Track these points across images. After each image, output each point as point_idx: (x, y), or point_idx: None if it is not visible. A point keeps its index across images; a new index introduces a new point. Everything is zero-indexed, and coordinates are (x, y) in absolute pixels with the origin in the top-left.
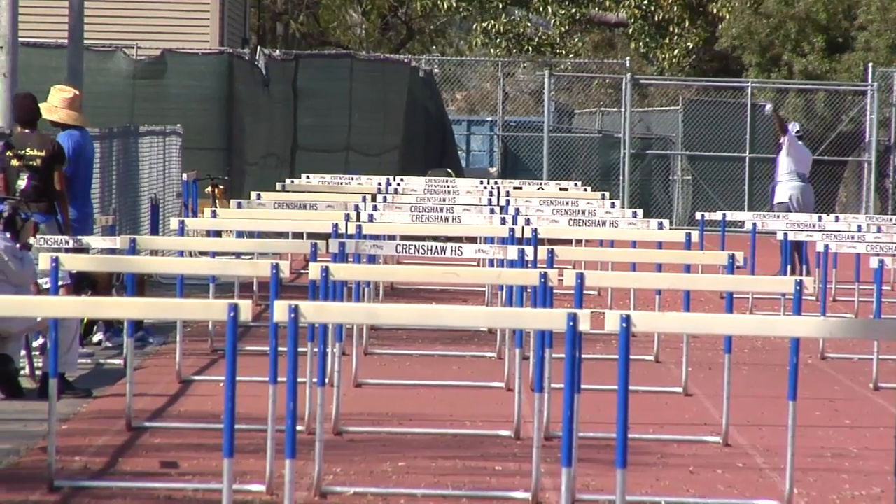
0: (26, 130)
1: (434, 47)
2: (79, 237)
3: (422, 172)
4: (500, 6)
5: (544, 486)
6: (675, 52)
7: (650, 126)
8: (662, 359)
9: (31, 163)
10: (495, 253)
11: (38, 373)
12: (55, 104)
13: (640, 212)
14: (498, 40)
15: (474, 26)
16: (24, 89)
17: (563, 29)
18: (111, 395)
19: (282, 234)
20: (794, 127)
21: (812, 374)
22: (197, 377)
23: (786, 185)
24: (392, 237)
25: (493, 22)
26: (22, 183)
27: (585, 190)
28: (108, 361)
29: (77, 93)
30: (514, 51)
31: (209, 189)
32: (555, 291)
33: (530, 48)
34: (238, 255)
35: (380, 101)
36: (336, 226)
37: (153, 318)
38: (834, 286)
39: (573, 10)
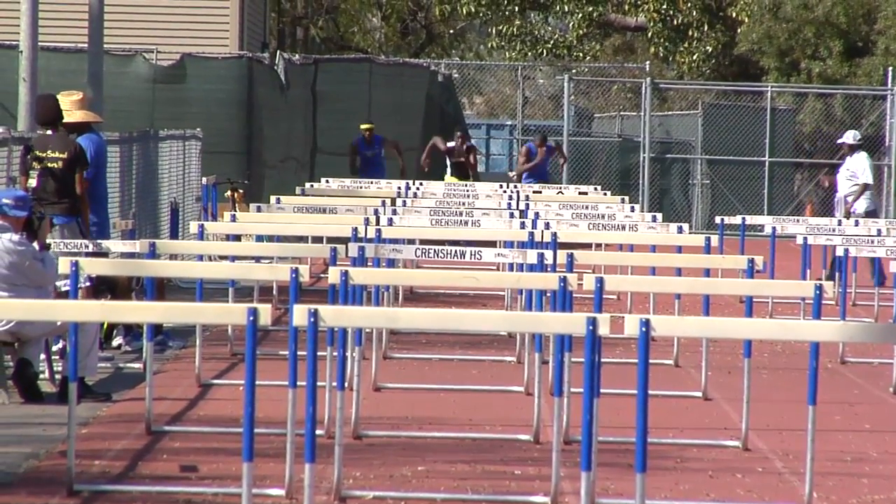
0: (48, 132)
1: (453, 51)
2: (99, 241)
3: (440, 177)
4: (516, 9)
5: (564, 490)
6: (695, 56)
7: (670, 130)
8: (682, 363)
9: (52, 165)
10: (515, 257)
11: (57, 377)
12: (68, 108)
13: (659, 216)
14: (513, 43)
15: (490, 29)
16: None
17: (580, 32)
18: (131, 398)
19: (301, 238)
20: (854, 136)
21: (832, 379)
22: (216, 381)
23: (870, 194)
24: (411, 241)
25: (507, 24)
26: (33, 182)
27: (605, 194)
28: (128, 365)
29: (84, 93)
30: (530, 53)
31: (229, 193)
32: (574, 295)
33: (545, 51)
34: (257, 258)
35: (399, 105)
36: (356, 230)
37: (173, 322)
38: (854, 290)
39: (590, 10)
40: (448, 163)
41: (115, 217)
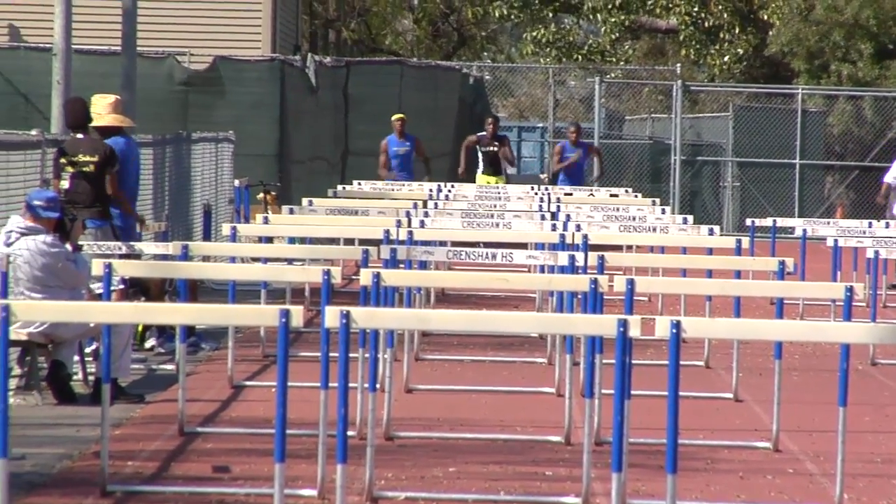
0: (78, 135)
1: (485, 54)
2: (131, 243)
3: (472, 179)
4: (551, 14)
5: (595, 491)
6: (726, 58)
7: (700, 132)
8: (713, 364)
9: (84, 169)
10: (546, 259)
11: (91, 378)
12: (100, 111)
13: (690, 218)
14: (548, 49)
15: (524, 35)
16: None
17: (613, 37)
18: (163, 400)
19: (333, 240)
20: None
21: (862, 380)
22: (248, 382)
23: None
24: (443, 243)
25: (542, 30)
26: (65, 183)
27: (636, 196)
28: (161, 367)
29: (118, 97)
30: (564, 59)
31: (261, 195)
32: (605, 297)
33: (580, 56)
34: (290, 260)
35: (430, 108)
36: (387, 232)
37: (205, 324)
38: (884, 292)
39: (623, 18)
40: (479, 157)
41: (149, 219)
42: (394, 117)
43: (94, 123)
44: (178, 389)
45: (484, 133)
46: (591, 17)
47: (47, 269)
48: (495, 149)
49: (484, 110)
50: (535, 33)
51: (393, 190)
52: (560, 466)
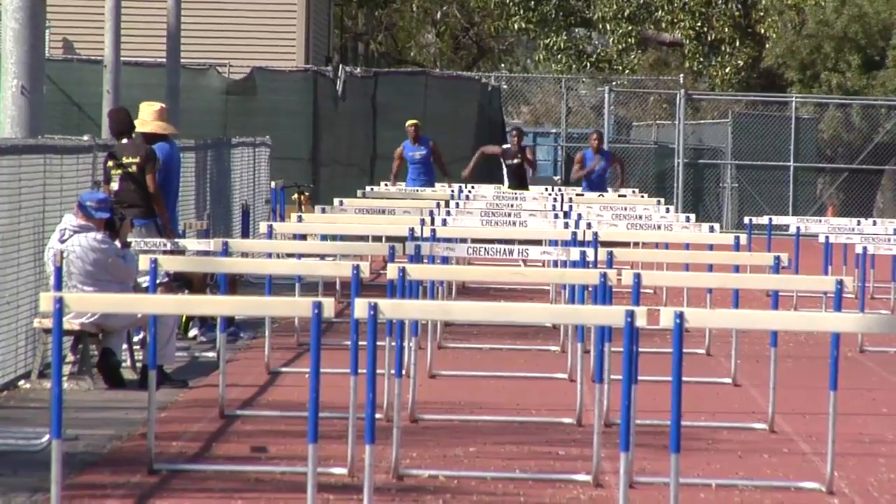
0: (123, 141)
1: (502, 65)
2: (176, 240)
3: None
4: (562, 24)
5: (604, 469)
6: (726, 69)
7: (702, 137)
8: (713, 352)
9: (129, 170)
10: (559, 255)
11: (138, 365)
12: (145, 118)
13: (692, 216)
14: (559, 56)
15: (538, 43)
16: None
17: (620, 46)
18: (205, 385)
19: (362, 237)
20: None
21: (851, 367)
22: (284, 369)
23: None
24: (464, 240)
25: (554, 38)
26: (115, 185)
27: (642, 196)
28: (203, 354)
29: (163, 105)
30: (574, 66)
31: (295, 196)
32: (614, 290)
33: (589, 64)
34: (322, 256)
35: (452, 115)
36: (412, 229)
37: (244, 315)
38: (872, 285)
39: (630, 28)
40: (504, 168)
41: (191, 218)
42: (407, 123)
43: (139, 129)
44: (218, 375)
45: (508, 146)
46: (601, 27)
47: (98, 264)
48: (520, 161)
49: (496, 116)
50: (547, 41)
51: (417, 191)
52: (572, 446)
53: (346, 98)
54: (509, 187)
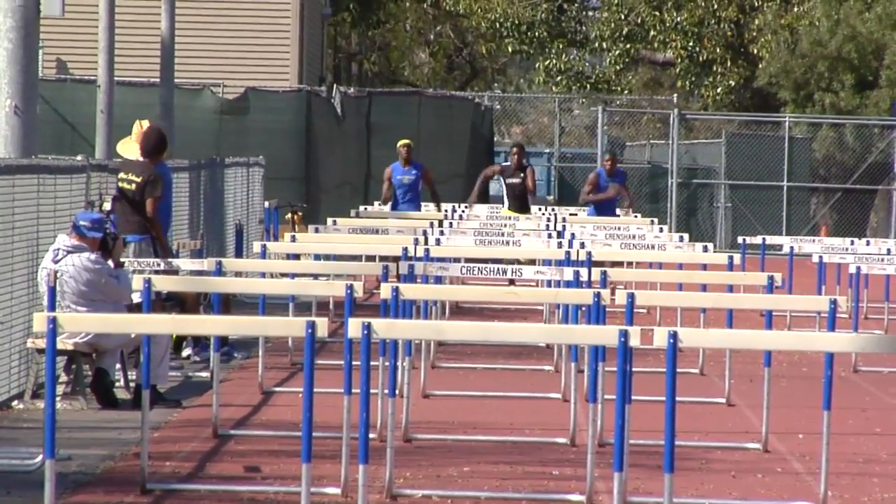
0: (140, 159)
1: (495, 84)
2: (169, 260)
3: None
4: (560, 46)
5: (598, 489)
6: (719, 89)
7: (695, 157)
8: (707, 372)
9: (125, 186)
10: (552, 274)
11: (131, 384)
12: (135, 137)
13: (686, 236)
14: (559, 78)
15: (536, 65)
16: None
17: (617, 67)
18: (199, 405)
19: (356, 257)
20: None
21: (845, 386)
22: (277, 389)
23: None
24: (457, 259)
25: (553, 60)
26: (107, 205)
27: (636, 216)
28: (196, 374)
29: (155, 124)
30: (574, 87)
31: (289, 215)
32: (607, 309)
33: (587, 85)
34: (315, 276)
35: (445, 134)
36: (406, 249)
37: (237, 335)
38: (866, 305)
39: (627, 47)
40: (503, 190)
41: (185, 238)
42: (399, 143)
43: (125, 147)
44: (212, 395)
45: (508, 164)
46: (597, 47)
47: (91, 284)
48: (520, 180)
49: (489, 135)
50: (546, 62)
51: (410, 211)
52: (566, 466)
53: (346, 118)
54: (508, 208)
